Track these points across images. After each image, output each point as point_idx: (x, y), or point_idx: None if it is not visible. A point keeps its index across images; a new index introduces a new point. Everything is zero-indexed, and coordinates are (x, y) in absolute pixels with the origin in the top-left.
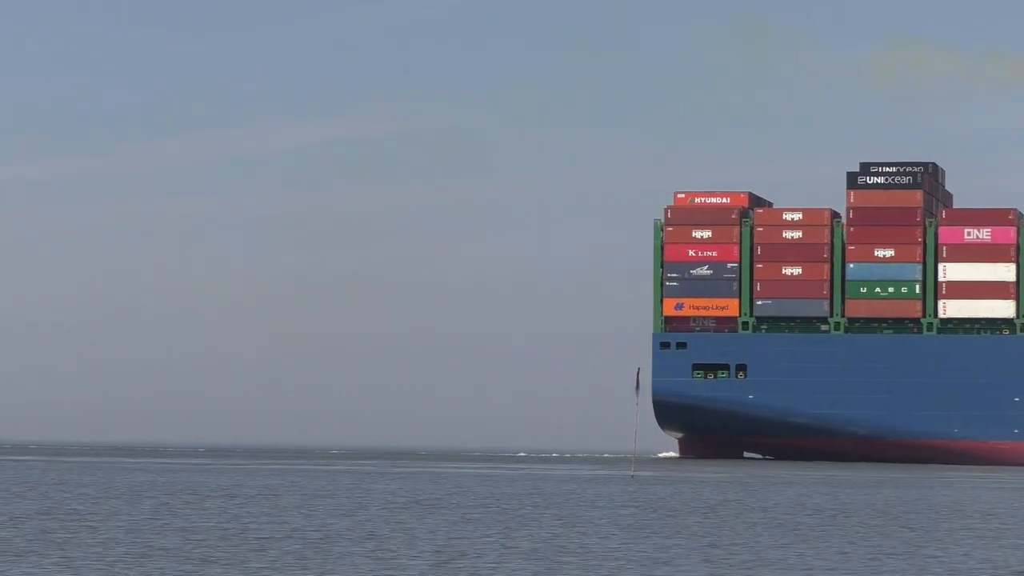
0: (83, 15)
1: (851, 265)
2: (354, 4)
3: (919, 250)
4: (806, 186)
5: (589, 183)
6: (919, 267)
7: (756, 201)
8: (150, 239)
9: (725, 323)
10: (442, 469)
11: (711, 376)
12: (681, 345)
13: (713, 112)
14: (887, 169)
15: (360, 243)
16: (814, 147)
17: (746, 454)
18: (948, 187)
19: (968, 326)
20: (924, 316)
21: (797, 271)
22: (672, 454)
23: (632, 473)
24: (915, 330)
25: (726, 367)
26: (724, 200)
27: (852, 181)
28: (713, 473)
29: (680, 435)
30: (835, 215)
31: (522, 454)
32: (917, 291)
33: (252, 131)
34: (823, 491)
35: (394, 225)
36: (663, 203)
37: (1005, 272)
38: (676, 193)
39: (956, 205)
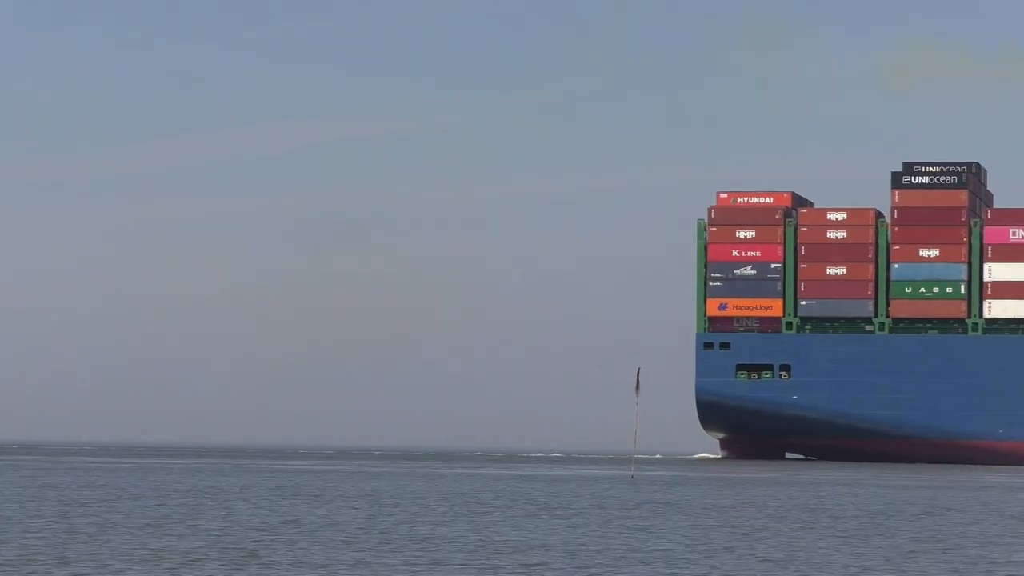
0: (84, 15)
1: (896, 265)
2: (364, 3)
3: (964, 250)
4: (844, 186)
5: (623, 182)
6: (964, 267)
7: (798, 201)
8: (152, 239)
9: (769, 323)
10: (535, 471)
11: (755, 376)
12: (725, 345)
13: (747, 112)
14: (930, 169)
15: (391, 242)
16: (850, 147)
17: (788, 455)
18: (989, 187)
19: (1013, 326)
20: (969, 316)
21: (841, 271)
22: (710, 455)
23: (632, 474)
24: (960, 330)
25: (770, 367)
26: (767, 200)
27: (896, 181)
28: (790, 473)
29: (722, 435)
30: (879, 215)
31: (556, 454)
32: (962, 291)
33: (254, 131)
34: (925, 494)
35: (418, 225)
36: (703, 202)
37: None
38: (718, 193)
39: (997, 205)
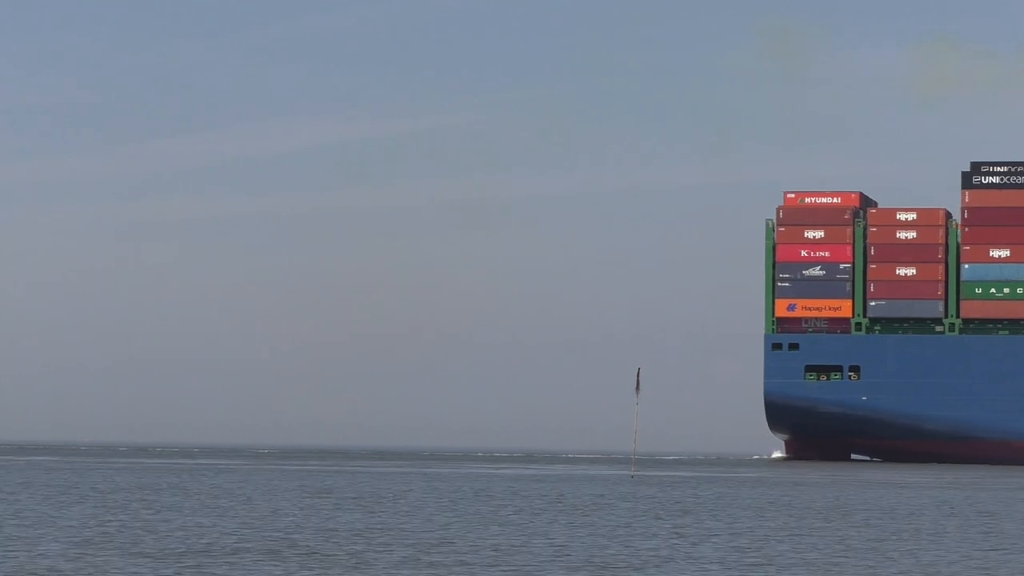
0: (88, 16)
1: (966, 266)
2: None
3: None
4: (909, 186)
5: (675, 180)
6: None
7: (865, 201)
8: (154, 239)
9: (838, 324)
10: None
11: (823, 377)
12: (793, 346)
13: (806, 111)
14: (999, 169)
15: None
16: (911, 147)
17: (853, 456)
18: None
19: None
20: None
21: (911, 271)
22: (782, 455)
23: (632, 474)
24: None
25: (839, 369)
26: (835, 200)
27: (967, 181)
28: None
29: (786, 436)
30: (948, 215)
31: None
32: None
33: (257, 132)
34: None
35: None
36: (770, 202)
37: None
38: (785, 192)
39: None
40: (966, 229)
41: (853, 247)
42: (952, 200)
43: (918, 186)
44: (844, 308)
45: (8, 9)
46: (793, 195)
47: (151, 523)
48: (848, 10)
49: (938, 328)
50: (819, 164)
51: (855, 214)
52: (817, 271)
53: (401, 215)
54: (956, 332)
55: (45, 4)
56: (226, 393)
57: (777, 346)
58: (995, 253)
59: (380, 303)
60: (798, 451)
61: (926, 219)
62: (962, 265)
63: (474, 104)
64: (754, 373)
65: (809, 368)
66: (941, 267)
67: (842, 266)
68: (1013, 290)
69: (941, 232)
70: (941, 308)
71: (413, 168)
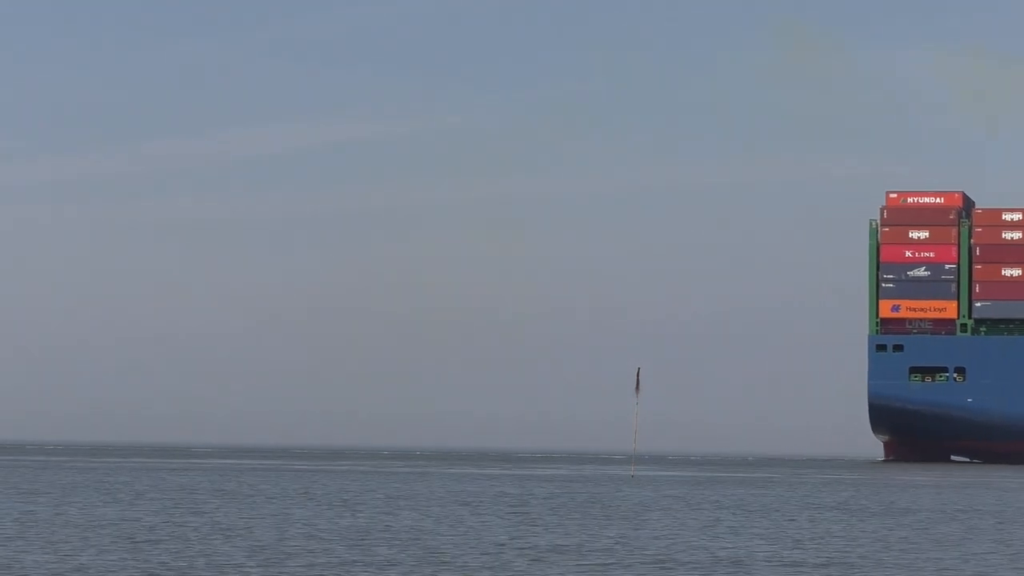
0: (93, 16)
1: None
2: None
3: None
4: (1006, 187)
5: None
6: None
7: (966, 201)
8: (159, 240)
9: (942, 325)
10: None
11: (928, 379)
12: (898, 347)
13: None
14: None
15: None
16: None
17: (953, 457)
18: None
19: None
20: None
21: (1017, 272)
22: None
23: (632, 473)
24: None
25: (944, 370)
26: (938, 200)
27: None
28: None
29: (888, 438)
30: None
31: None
32: None
33: (260, 132)
34: None
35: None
36: (872, 203)
37: None
38: (888, 192)
39: None
40: None
41: (958, 247)
42: None
43: (1006, 185)
44: (949, 309)
45: (8, 9)
46: (896, 195)
47: (382, 531)
48: (866, 11)
49: None
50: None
51: (959, 214)
52: (922, 272)
53: (429, 213)
54: None
55: (45, 5)
56: (226, 393)
57: (881, 347)
58: None
59: (386, 303)
60: (898, 453)
61: None
62: None
63: (495, 102)
64: (856, 374)
65: (914, 370)
66: None
67: (947, 267)
68: None
69: None
70: None
71: (437, 167)
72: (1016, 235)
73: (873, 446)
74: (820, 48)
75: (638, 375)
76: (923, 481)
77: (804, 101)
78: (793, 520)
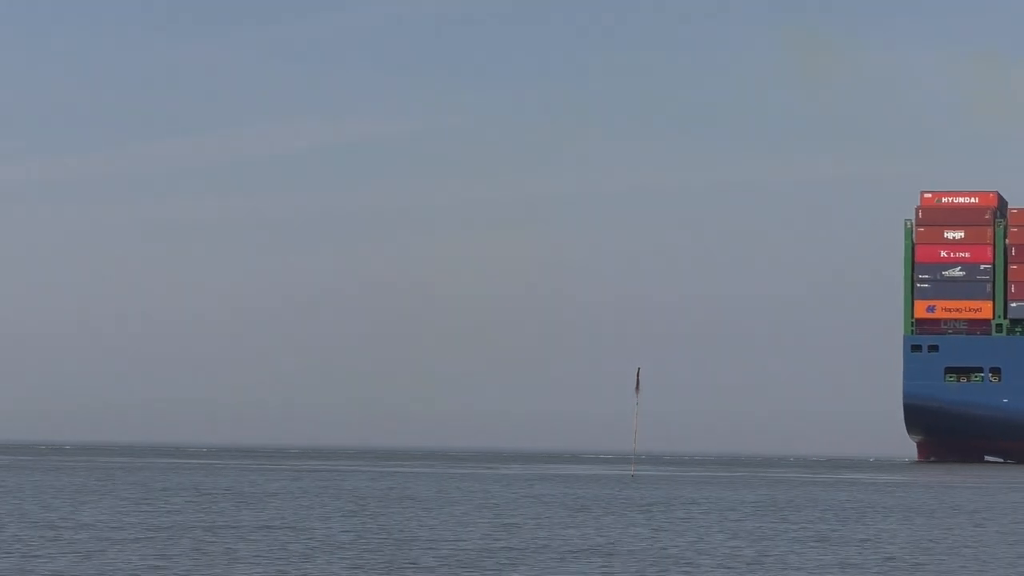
0: (93, 17)
1: None
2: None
3: None
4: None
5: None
6: None
7: (1001, 200)
8: (154, 240)
9: (978, 326)
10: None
11: (963, 380)
12: (933, 348)
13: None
14: None
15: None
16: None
17: (987, 458)
18: None
19: None
20: None
21: None
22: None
23: (632, 473)
24: None
25: (979, 370)
26: (972, 200)
27: None
28: None
29: (921, 438)
30: None
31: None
32: None
33: (260, 132)
34: None
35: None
36: (907, 203)
37: None
38: (922, 192)
39: None
40: None
41: (993, 247)
42: None
43: None
44: (985, 310)
45: (7, 9)
46: (930, 195)
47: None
48: (875, 13)
49: None
50: (951, 166)
51: (994, 214)
52: (957, 272)
53: (433, 213)
54: None
55: (45, 5)
56: (225, 393)
57: (917, 348)
58: None
59: (386, 303)
60: (932, 453)
61: None
62: None
63: (496, 102)
64: (890, 374)
65: (949, 370)
66: None
67: (982, 267)
68: None
69: None
70: None
71: (438, 167)
72: None
73: (905, 446)
74: (830, 50)
75: (638, 375)
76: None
77: (817, 102)
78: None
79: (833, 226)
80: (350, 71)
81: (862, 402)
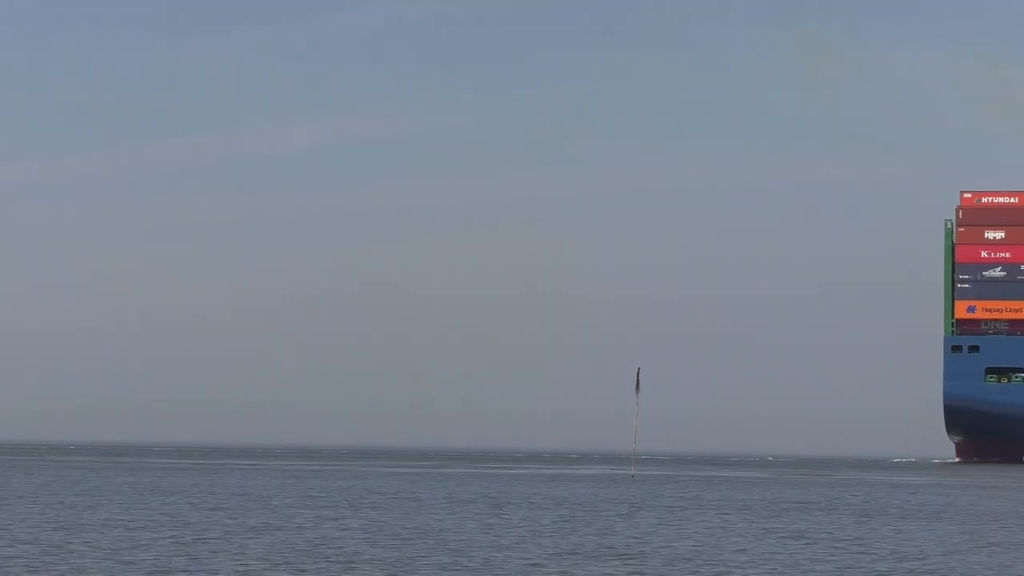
0: (93, 17)
1: None
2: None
3: None
4: None
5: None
6: None
7: None
8: (155, 239)
9: (1018, 326)
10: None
11: (1004, 380)
12: (973, 348)
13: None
14: None
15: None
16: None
17: None
18: None
19: None
20: None
21: None
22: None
23: (633, 473)
24: None
25: (1020, 370)
26: (1012, 200)
27: None
28: None
29: (960, 439)
30: None
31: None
32: None
33: (260, 132)
34: None
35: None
36: (947, 203)
37: None
38: (962, 192)
39: None
40: None
41: None
42: None
43: None
44: None
45: (6, 9)
46: (970, 195)
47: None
48: (875, 13)
49: None
50: (1000, 161)
51: None
52: (998, 272)
53: (435, 213)
54: None
55: (45, 5)
56: (225, 393)
57: (957, 348)
58: None
59: (386, 303)
60: (971, 454)
61: None
62: None
63: (496, 102)
64: (930, 375)
65: (990, 370)
66: None
67: (1023, 267)
68: None
69: None
70: None
71: (438, 167)
72: None
73: (944, 447)
74: (830, 50)
75: (638, 375)
76: None
77: (818, 102)
78: None
79: (865, 226)
80: (350, 71)
81: (903, 403)
